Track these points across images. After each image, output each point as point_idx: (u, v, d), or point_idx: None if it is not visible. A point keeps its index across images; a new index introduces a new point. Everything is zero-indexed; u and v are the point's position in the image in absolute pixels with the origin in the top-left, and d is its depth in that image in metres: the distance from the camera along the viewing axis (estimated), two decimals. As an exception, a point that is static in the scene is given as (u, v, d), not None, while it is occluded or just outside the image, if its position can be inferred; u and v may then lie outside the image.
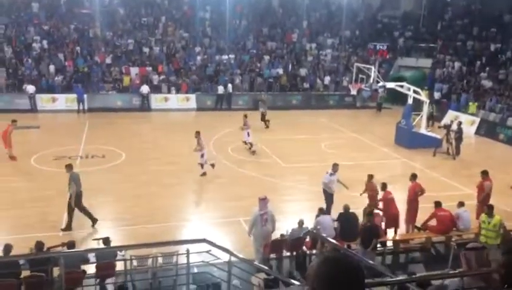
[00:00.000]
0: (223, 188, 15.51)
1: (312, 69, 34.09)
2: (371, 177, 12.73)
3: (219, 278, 7.94)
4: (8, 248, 8.04)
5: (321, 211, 11.22)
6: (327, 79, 33.33)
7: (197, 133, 16.43)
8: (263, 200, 10.19)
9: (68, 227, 11.76)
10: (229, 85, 29.75)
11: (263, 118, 24.31)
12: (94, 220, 12.06)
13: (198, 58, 32.30)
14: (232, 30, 35.20)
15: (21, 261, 7.68)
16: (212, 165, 16.54)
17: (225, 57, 32.86)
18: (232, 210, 13.39)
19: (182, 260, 8.60)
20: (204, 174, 16.32)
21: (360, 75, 22.27)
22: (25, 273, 7.81)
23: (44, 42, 30.42)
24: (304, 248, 10.60)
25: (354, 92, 25.33)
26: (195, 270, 8.47)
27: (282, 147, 20.43)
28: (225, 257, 7.05)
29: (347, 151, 19.98)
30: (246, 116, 20.03)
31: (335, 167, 13.09)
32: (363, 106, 32.36)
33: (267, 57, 33.80)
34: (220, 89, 29.47)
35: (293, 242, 10.20)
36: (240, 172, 17.10)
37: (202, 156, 16.33)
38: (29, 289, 7.28)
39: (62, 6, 33.86)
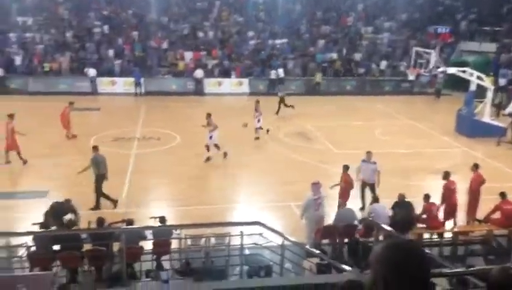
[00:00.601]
0: (275, 172, 15.51)
1: (367, 53, 33.15)
2: (346, 168, 11.87)
3: (271, 261, 7.98)
4: (101, 220, 8.48)
5: (375, 199, 10.99)
6: (383, 64, 32.31)
7: (208, 115, 16.50)
8: (316, 185, 10.09)
9: (97, 206, 12.18)
10: (281, 70, 29.55)
11: (282, 102, 23.44)
12: (114, 202, 12.38)
13: (252, 42, 32.28)
14: (285, 14, 34.84)
15: (83, 236, 8.08)
16: (225, 154, 16.38)
17: (278, 41, 32.63)
18: (283, 195, 13.40)
19: (234, 241, 8.74)
20: (208, 159, 16.07)
21: (419, 60, 21.38)
22: (87, 247, 8.23)
23: (105, 27, 31.51)
24: (357, 235, 10.43)
25: (412, 77, 24.42)
26: (247, 252, 8.56)
27: (335, 133, 20.12)
28: (277, 240, 7.05)
29: (402, 138, 19.37)
30: (258, 101, 19.53)
31: (368, 154, 12.64)
32: (421, 92, 31.14)
33: (321, 41, 33.23)
34: (273, 74, 29.35)
35: (346, 229, 10.05)
36: (292, 157, 17.03)
37: (211, 137, 16.19)
38: (92, 261, 7.65)
39: (121, -8, 34.89)
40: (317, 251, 7.74)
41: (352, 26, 35.41)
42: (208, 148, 16.13)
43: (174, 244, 8.77)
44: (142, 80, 27.73)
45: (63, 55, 28.73)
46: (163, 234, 8.46)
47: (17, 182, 14.26)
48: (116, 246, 8.14)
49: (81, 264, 7.72)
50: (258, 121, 19.05)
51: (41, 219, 8.91)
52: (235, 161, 16.44)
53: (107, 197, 12.37)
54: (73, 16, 32.20)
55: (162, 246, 8.19)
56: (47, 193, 13.15)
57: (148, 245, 8.66)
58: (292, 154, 17.37)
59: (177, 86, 29.14)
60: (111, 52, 29.71)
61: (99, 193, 12.29)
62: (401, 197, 10.67)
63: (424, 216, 10.63)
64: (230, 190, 14.05)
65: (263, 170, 15.79)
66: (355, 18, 36.01)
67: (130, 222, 8.52)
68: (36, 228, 8.43)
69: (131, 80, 27.78)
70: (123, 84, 28.21)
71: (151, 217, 9.86)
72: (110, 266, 7.66)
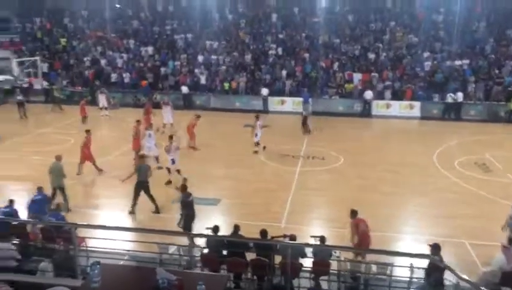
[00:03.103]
0: (446, 203, 14.22)
1: None
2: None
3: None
4: (264, 232, 8.91)
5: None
6: None
7: (256, 118, 19.33)
8: (507, 250, 8.43)
9: (157, 210, 13.28)
10: (459, 93, 27.17)
11: (305, 122, 23.39)
12: (157, 208, 13.30)
13: (427, 63, 30.49)
14: (467, 33, 32.10)
15: (250, 245, 8.51)
16: (264, 148, 19.27)
17: (457, 62, 30.17)
18: (455, 230, 12.17)
19: (396, 272, 8.22)
20: (256, 152, 18.71)
21: None
22: (252, 256, 8.62)
23: (279, 49, 33.35)
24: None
25: None
26: (415, 286, 7.94)
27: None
28: (451, 278, 6.37)
29: None
30: (257, 117, 19.86)
31: None
32: None
33: (510, 63, 29.62)
34: (449, 97, 27.19)
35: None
36: (466, 189, 15.41)
37: (256, 135, 19.05)
38: (255, 270, 7.99)
39: (297, 16, 36.53)
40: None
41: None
42: (256, 144, 19.18)
43: (333, 265, 8.64)
44: (310, 100, 28.42)
45: (241, 75, 31.27)
46: (323, 254, 8.40)
47: (195, 189, 15.70)
48: (277, 259, 8.39)
49: (246, 271, 8.12)
50: (256, 135, 19.50)
51: (212, 224, 9.68)
52: (402, 187, 15.59)
53: (153, 201, 13.41)
54: (252, 40, 34.90)
55: (321, 266, 8.12)
56: (219, 201, 14.30)
57: (306, 263, 8.71)
58: (466, 185, 15.72)
59: (344, 107, 29.10)
60: (283, 73, 31.24)
61: (149, 196, 13.36)
62: None
63: None
64: (396, 217, 13.32)
65: (433, 201, 14.59)
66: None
67: (293, 238, 8.68)
68: (209, 232, 9.20)
69: (300, 99, 28.70)
70: (292, 103, 29.31)
71: (312, 236, 9.90)
72: (271, 277, 7.90)
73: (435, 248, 8.17)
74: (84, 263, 7.73)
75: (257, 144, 19.65)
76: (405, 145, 21.02)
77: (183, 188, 11.64)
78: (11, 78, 22.53)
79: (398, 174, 16.82)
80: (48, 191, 12.62)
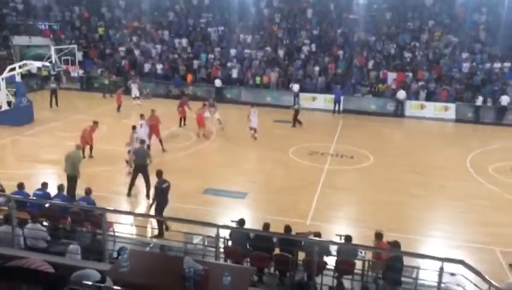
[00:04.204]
0: (477, 210, 13.80)
1: None
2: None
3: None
4: (288, 228, 8.90)
5: None
6: None
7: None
8: None
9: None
10: (504, 97, 26.24)
11: (295, 116, 23.42)
12: (148, 194, 13.54)
13: (465, 65, 29.61)
14: (511, 35, 30.95)
15: (274, 240, 8.48)
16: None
17: (497, 65, 29.16)
18: (487, 237, 11.80)
19: (423, 275, 8.03)
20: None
21: None
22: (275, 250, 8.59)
23: (313, 46, 33.04)
24: None
25: None
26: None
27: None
28: (481, 285, 6.18)
29: None
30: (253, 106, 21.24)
31: None
32: None
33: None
34: (479, 101, 26.39)
35: None
36: (502, 196, 14.90)
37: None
38: (278, 265, 7.96)
39: (332, 12, 36.07)
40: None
41: None
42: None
43: (357, 265, 8.52)
44: (341, 97, 28.09)
45: (273, 70, 31.15)
46: (348, 253, 8.29)
47: (224, 181, 15.80)
48: (300, 255, 8.33)
49: (268, 266, 8.10)
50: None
51: (238, 217, 9.68)
52: (432, 190, 15.23)
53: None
54: (286, 35, 34.68)
55: (345, 265, 8.02)
56: (246, 194, 14.32)
57: (329, 261, 8.61)
58: (502, 192, 15.19)
59: (377, 106, 28.61)
60: (316, 69, 30.94)
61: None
62: None
63: None
64: (424, 221, 13.03)
65: (464, 205, 14.19)
66: None
67: (318, 235, 8.60)
68: (234, 225, 9.22)
69: (331, 96, 28.40)
70: (323, 100, 29.02)
71: (337, 235, 9.79)
72: (293, 273, 7.85)
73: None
74: (110, 248, 7.89)
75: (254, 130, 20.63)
76: (438, 148, 20.50)
77: (159, 173, 11.64)
78: (49, 65, 23.21)
79: (429, 177, 16.43)
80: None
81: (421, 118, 27.16)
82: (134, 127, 16.56)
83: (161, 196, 11.35)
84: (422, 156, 19.14)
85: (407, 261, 8.41)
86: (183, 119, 22.35)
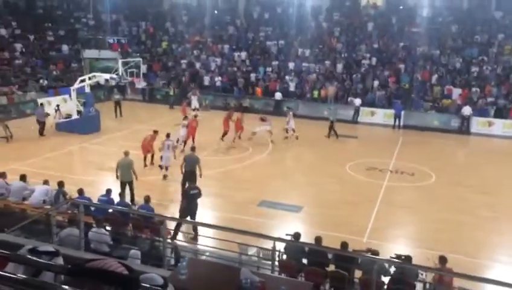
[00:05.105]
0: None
1: None
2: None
3: None
4: (345, 244, 8.73)
5: None
6: None
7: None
8: None
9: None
10: None
11: (331, 128, 23.01)
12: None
13: (538, 81, 27.88)
14: None
15: (329, 255, 8.31)
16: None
17: None
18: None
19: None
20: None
21: None
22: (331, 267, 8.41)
23: (373, 59, 32.42)
24: None
25: None
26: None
27: None
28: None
29: None
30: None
31: None
32: None
33: None
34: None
35: None
36: None
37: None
38: (333, 282, 7.78)
39: (394, 26, 35.30)
40: None
41: None
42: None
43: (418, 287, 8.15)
44: (402, 112, 27.28)
45: (331, 84, 30.87)
46: (409, 274, 7.94)
47: (280, 194, 15.75)
48: (357, 273, 8.10)
49: (324, 283, 7.94)
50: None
51: (293, 231, 9.59)
52: (500, 212, 14.34)
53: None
54: (345, 49, 34.32)
55: (407, 286, 7.69)
56: (301, 208, 14.19)
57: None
58: None
59: (440, 122, 27.50)
60: (376, 83, 30.31)
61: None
62: None
63: None
64: (492, 244, 12.27)
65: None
66: None
67: (375, 254, 8.33)
68: (288, 238, 9.13)
69: (391, 111, 27.66)
70: (383, 115, 28.32)
71: (396, 254, 9.41)
72: (349, 292, 7.64)
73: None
74: (168, 255, 8.06)
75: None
76: (506, 167, 19.31)
77: (192, 179, 11.79)
78: (116, 76, 24.48)
79: (495, 197, 15.52)
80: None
81: (489, 135, 25.79)
82: (168, 135, 16.91)
83: (189, 201, 11.36)
84: (490, 175, 18.12)
85: (470, 285, 7.94)
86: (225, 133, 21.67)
